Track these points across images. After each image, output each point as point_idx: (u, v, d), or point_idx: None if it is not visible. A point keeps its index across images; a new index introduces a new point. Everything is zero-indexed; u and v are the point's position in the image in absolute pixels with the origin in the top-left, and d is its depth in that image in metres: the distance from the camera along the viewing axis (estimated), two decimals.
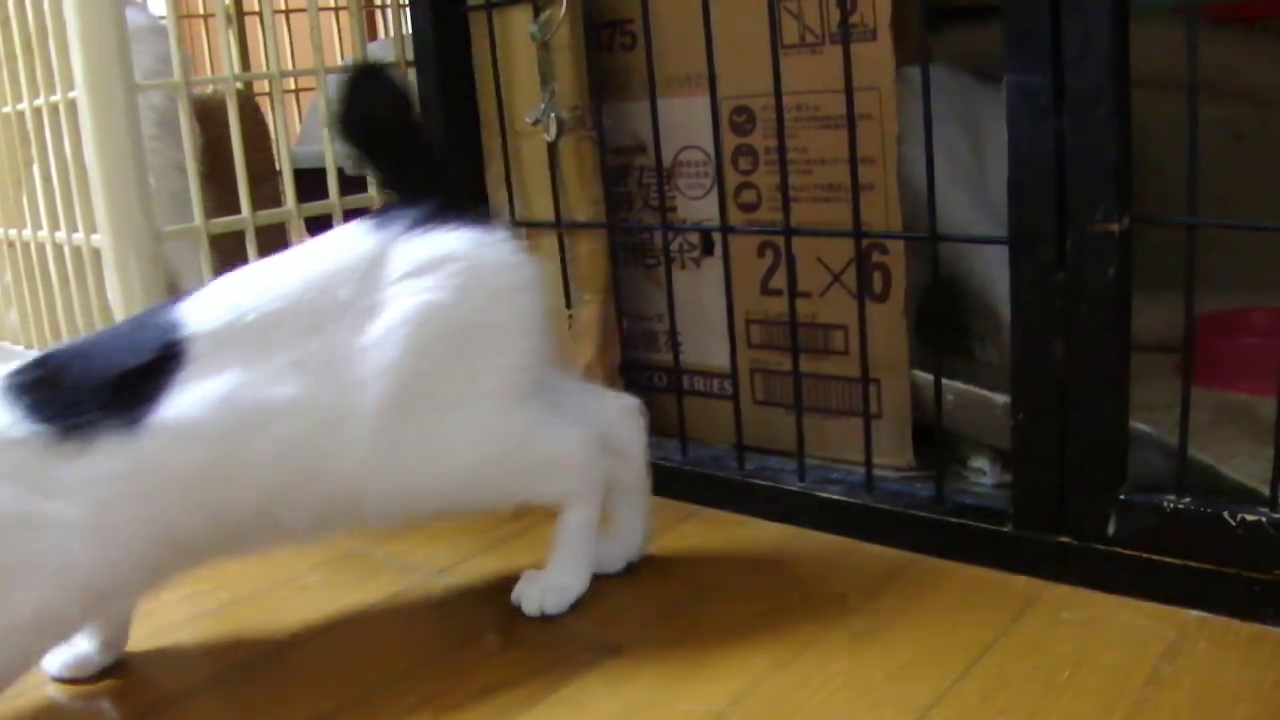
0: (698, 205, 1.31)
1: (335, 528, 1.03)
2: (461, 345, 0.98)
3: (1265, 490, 0.96)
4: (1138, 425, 1.04)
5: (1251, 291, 1.54)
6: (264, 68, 1.56)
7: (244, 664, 1.03)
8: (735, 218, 1.26)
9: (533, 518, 1.22)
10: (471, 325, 0.99)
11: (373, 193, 1.59)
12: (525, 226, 1.39)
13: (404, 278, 0.96)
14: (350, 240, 0.99)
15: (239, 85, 1.82)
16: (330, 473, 0.95)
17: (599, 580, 1.10)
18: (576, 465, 1.06)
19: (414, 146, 1.04)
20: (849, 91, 1.09)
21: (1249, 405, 1.36)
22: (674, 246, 1.33)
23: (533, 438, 1.03)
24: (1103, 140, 0.94)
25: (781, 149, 1.15)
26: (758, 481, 1.24)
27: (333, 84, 1.31)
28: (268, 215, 1.52)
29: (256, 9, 1.58)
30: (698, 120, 1.26)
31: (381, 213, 1.01)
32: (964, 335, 1.40)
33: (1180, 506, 0.99)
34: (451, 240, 0.99)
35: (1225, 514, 0.97)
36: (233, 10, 2.48)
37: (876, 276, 1.17)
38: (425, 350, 0.96)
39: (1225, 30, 1.65)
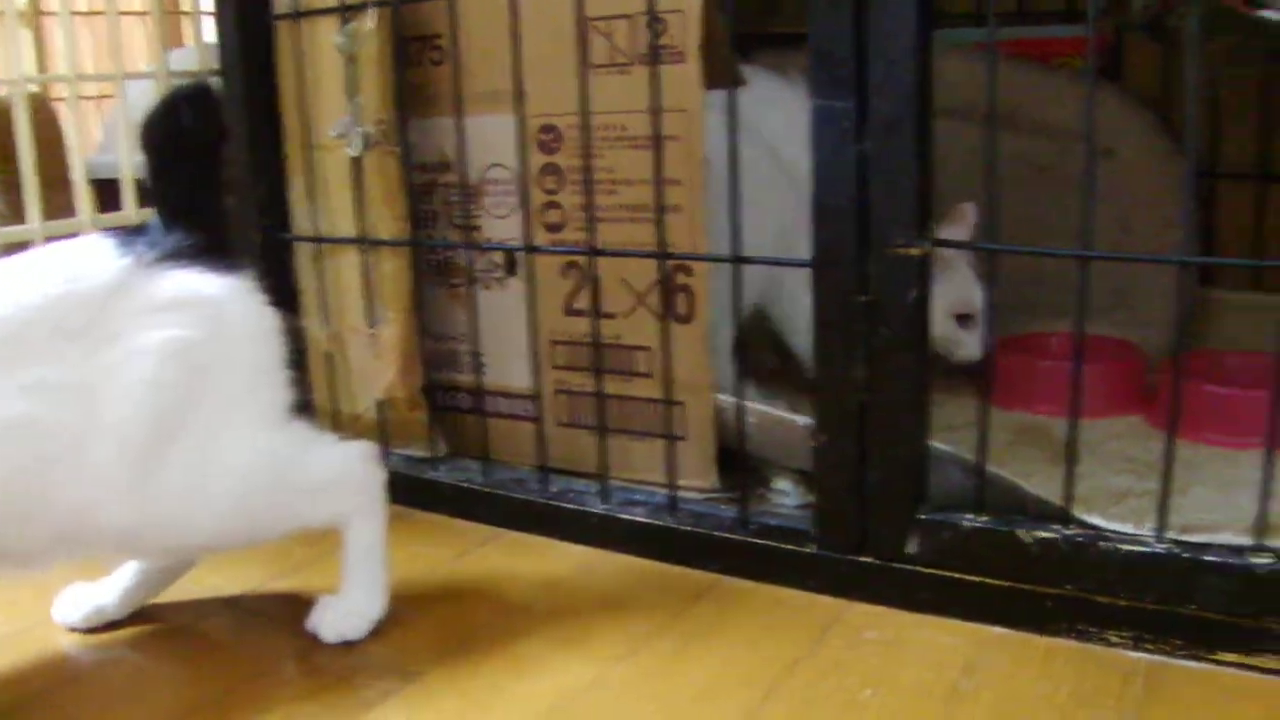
0: (503, 224, 1.29)
1: (80, 555, 0.98)
2: (213, 379, 0.94)
3: (1058, 504, 0.99)
4: (938, 445, 1.06)
5: (1052, 316, 1.60)
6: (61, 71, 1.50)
7: (10, 708, 0.97)
8: (540, 237, 1.25)
9: (328, 542, 1.19)
10: (221, 361, 0.95)
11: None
12: (328, 243, 1.35)
13: (150, 311, 0.92)
14: (91, 262, 0.93)
15: (33, 88, 1.74)
16: (63, 501, 0.89)
17: (400, 605, 1.07)
18: (349, 483, 1.03)
19: (204, 178, 1.00)
20: (656, 112, 1.09)
21: (1047, 426, 1.41)
22: (478, 266, 1.31)
23: (298, 461, 1.00)
24: (904, 165, 0.95)
25: (587, 169, 1.15)
26: (561, 504, 1.23)
27: (134, 91, 1.27)
28: (59, 225, 1.46)
29: (55, 10, 1.52)
30: (505, 138, 1.25)
31: (131, 234, 0.97)
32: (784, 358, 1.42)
33: (978, 525, 1.01)
34: (201, 283, 0.95)
35: (1020, 532, 0.99)
36: (30, 11, 2.38)
37: (681, 298, 1.17)
38: (175, 384, 0.91)
39: (1025, 66, 1.71)
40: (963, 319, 1.40)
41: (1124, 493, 1.20)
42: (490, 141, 1.28)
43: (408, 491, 1.32)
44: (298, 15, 1.34)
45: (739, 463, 1.15)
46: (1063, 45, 1.83)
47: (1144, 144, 1.76)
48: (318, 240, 1.36)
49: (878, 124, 0.96)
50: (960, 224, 1.33)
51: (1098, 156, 0.92)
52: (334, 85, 1.31)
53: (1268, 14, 1.29)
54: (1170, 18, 1.25)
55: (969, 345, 1.41)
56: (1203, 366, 1.48)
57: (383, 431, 1.35)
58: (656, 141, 1.10)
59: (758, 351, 1.42)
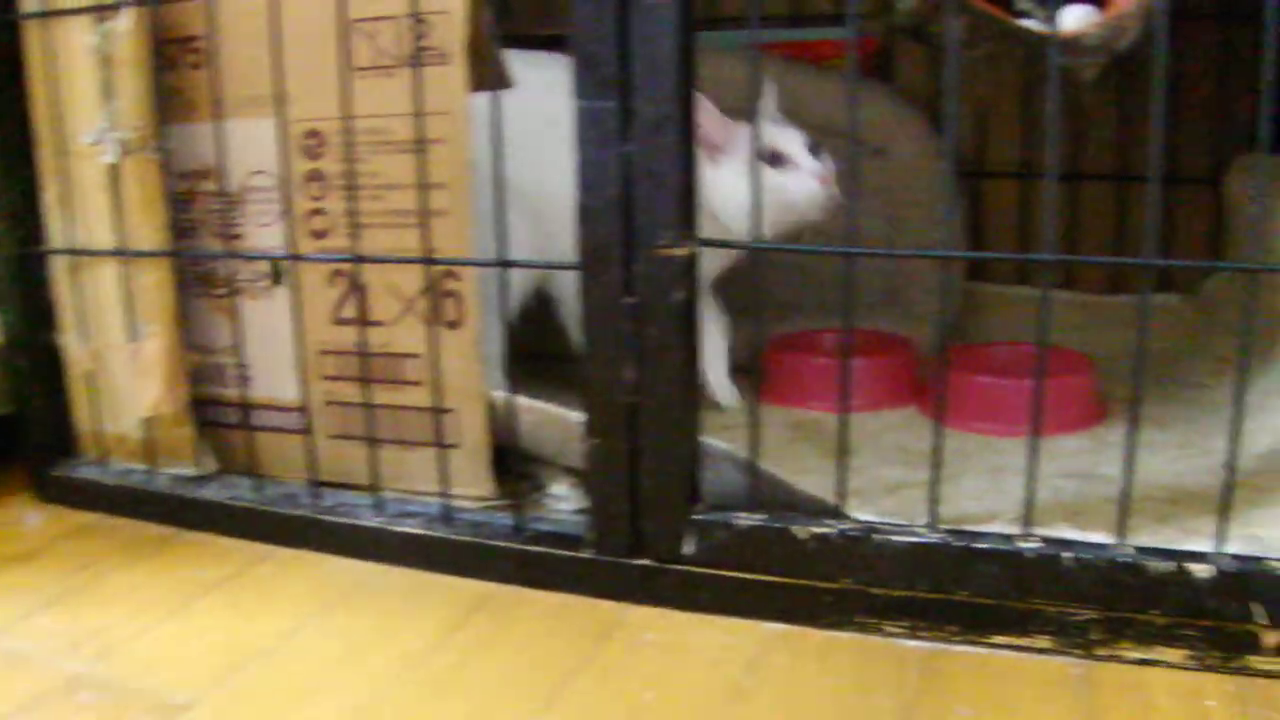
0: (268, 232, 1.25)
1: None
2: None
3: (832, 501, 1.00)
4: (713, 443, 1.06)
5: (825, 313, 1.62)
6: None
7: None
8: (306, 245, 1.21)
9: (99, 567, 1.14)
10: None
11: None
12: (84, 255, 1.29)
13: None
14: None
15: None
16: None
17: (167, 631, 1.03)
18: None
19: None
20: (419, 116, 1.07)
21: (822, 422, 1.43)
22: (242, 276, 1.27)
23: None
24: (668, 166, 0.95)
25: (350, 174, 1.12)
26: (334, 519, 1.20)
27: None
28: None
29: None
30: (267, 144, 1.21)
31: None
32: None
33: (753, 523, 1.01)
34: None
35: (795, 528, 1.00)
36: None
37: (450, 304, 1.15)
38: None
39: (797, 68, 1.73)
40: (774, 160, 1.35)
41: (898, 484, 1.22)
42: (252, 147, 1.24)
43: (175, 511, 1.28)
44: (46, 15, 1.27)
45: (515, 468, 1.13)
46: (835, 48, 1.86)
47: (915, 143, 1.81)
48: (73, 253, 1.30)
49: (641, 125, 0.96)
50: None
51: (861, 155, 0.93)
52: (88, 89, 1.25)
53: (1028, 23, 1.33)
54: (932, 23, 1.27)
55: (798, 181, 1.35)
56: (972, 358, 1.53)
57: (148, 450, 1.29)
58: (420, 145, 1.08)
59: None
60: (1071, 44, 1.27)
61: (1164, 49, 0.88)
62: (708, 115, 1.30)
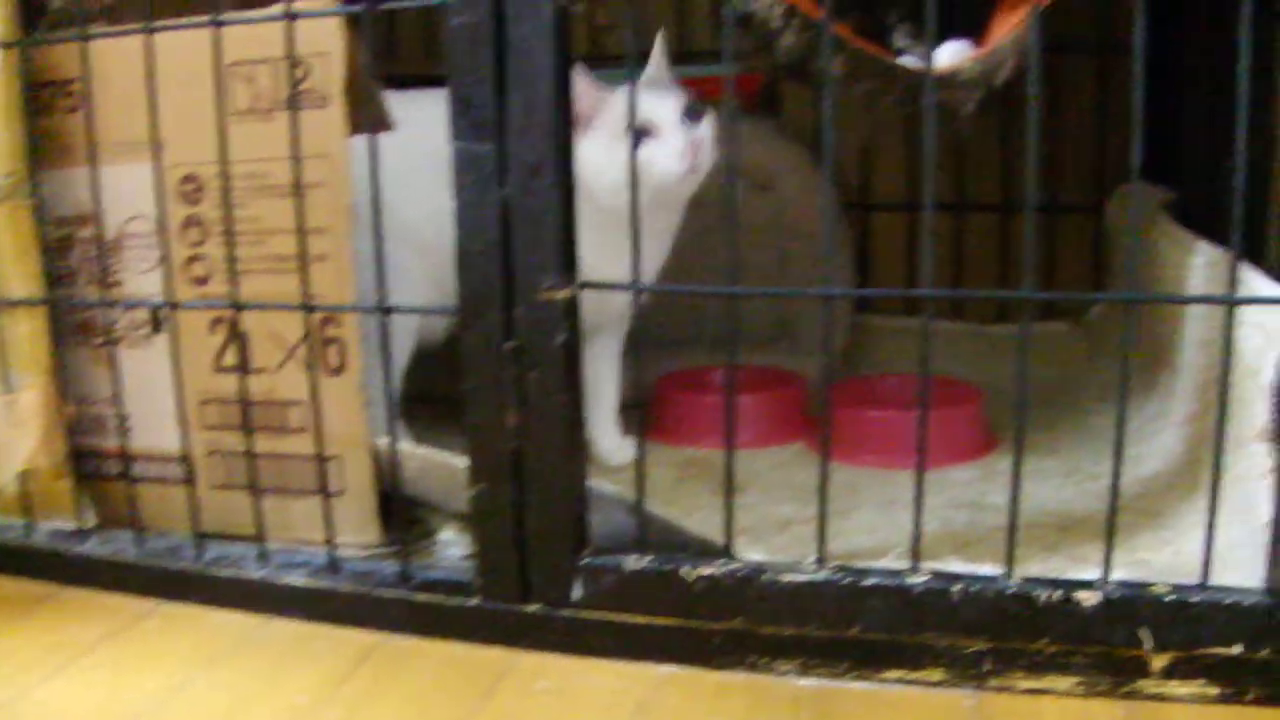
0: (147, 279, 1.22)
1: None
2: None
3: (720, 542, 1.00)
4: (600, 486, 1.05)
5: (714, 350, 1.63)
6: None
7: None
8: (186, 292, 1.19)
9: None
10: None
11: None
12: None
13: None
14: None
15: None
16: None
17: (41, 688, 1.00)
18: None
19: None
20: (297, 160, 1.05)
21: (712, 460, 1.43)
22: (120, 324, 1.24)
23: None
24: (547, 209, 0.95)
25: (228, 220, 1.10)
26: (218, 571, 1.17)
27: None
28: None
29: None
30: (145, 189, 1.19)
31: None
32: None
33: (641, 566, 1.00)
34: None
35: (684, 569, 0.99)
36: None
37: (332, 350, 1.13)
38: None
39: None
40: (640, 132, 1.30)
41: (788, 521, 1.22)
42: (130, 193, 1.21)
43: (55, 567, 1.24)
44: None
45: (402, 515, 1.12)
46: (720, 85, 1.86)
47: (800, 179, 1.82)
48: None
49: (519, 168, 0.95)
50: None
51: (736, 191, 0.93)
52: None
53: (905, 60, 1.34)
54: (812, 62, 1.28)
55: (661, 152, 1.30)
56: (861, 391, 1.54)
57: (25, 504, 1.26)
58: (299, 189, 1.06)
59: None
60: (948, 80, 1.29)
61: (1039, 82, 0.89)
62: (578, 84, 1.24)
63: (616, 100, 1.31)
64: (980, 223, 1.94)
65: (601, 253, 1.13)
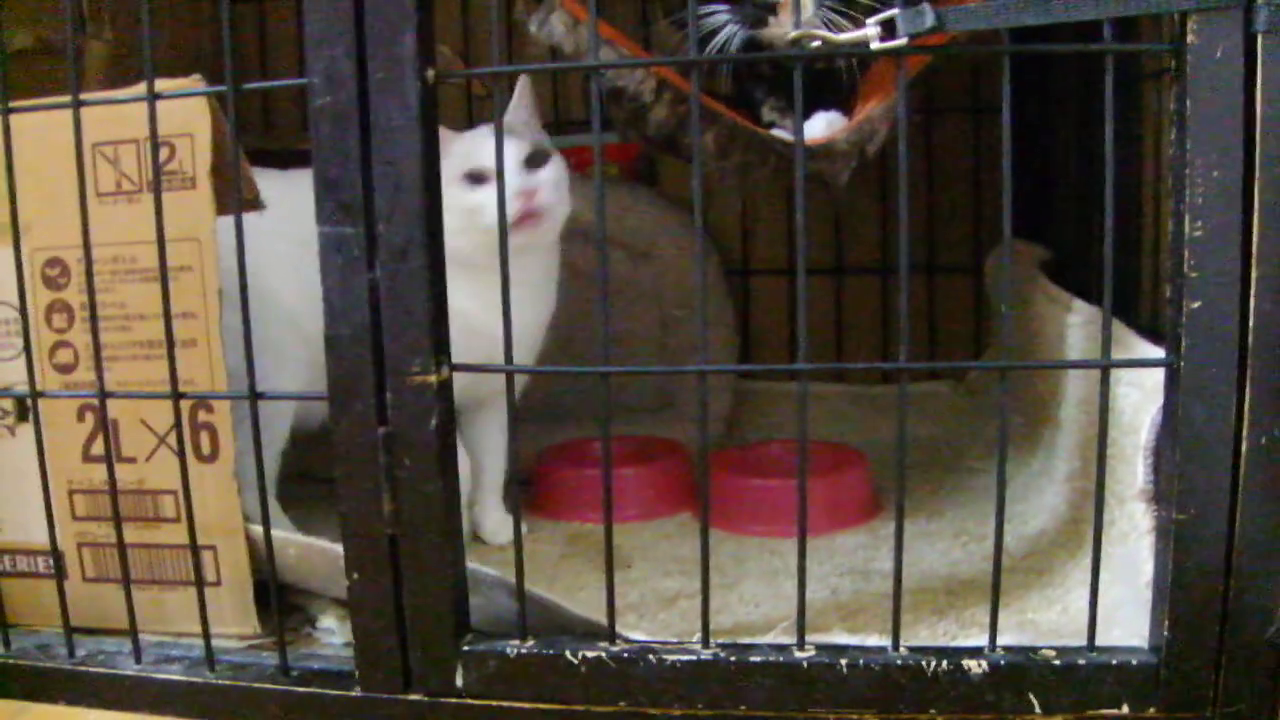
0: (12, 366, 1.18)
1: None
2: None
3: (605, 622, 0.98)
4: (480, 569, 1.03)
5: (595, 422, 1.61)
6: None
7: None
8: (52, 380, 1.15)
9: None
10: None
11: None
12: None
13: None
14: None
15: None
16: None
17: None
18: None
19: None
20: (161, 243, 1.03)
21: (595, 534, 1.41)
22: None
23: None
24: (416, 292, 0.93)
25: (92, 305, 1.07)
26: (91, 669, 1.12)
27: None
28: None
29: None
30: (7, 273, 1.15)
31: None
32: None
33: (524, 651, 0.99)
34: None
35: (568, 652, 0.98)
36: None
37: (204, 437, 1.11)
38: None
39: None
40: (475, 179, 1.32)
41: (675, 595, 1.21)
42: None
43: None
44: None
45: (280, 604, 1.09)
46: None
47: (680, 246, 1.83)
48: None
49: (387, 250, 0.94)
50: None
51: (605, 262, 0.92)
52: None
53: (777, 132, 1.35)
54: (683, 135, 1.29)
55: (484, 206, 1.30)
56: (744, 459, 1.53)
57: None
58: (164, 273, 1.04)
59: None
60: (822, 151, 1.30)
61: (906, 150, 0.89)
62: None
63: (456, 145, 1.31)
64: (859, 285, 1.96)
65: (479, 300, 1.13)
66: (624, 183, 1.87)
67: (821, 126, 1.35)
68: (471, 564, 1.02)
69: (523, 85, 1.36)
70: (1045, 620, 1.11)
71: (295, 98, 1.99)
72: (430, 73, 0.92)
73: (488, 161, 1.29)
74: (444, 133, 1.25)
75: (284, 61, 2.01)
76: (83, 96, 1.06)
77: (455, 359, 0.97)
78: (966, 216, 1.92)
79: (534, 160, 1.33)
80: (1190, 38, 0.85)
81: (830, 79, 1.40)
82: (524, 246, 1.31)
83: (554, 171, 1.34)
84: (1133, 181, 1.46)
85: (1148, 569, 0.94)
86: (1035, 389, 1.49)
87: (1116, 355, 0.97)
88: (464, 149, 1.31)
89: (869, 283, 1.96)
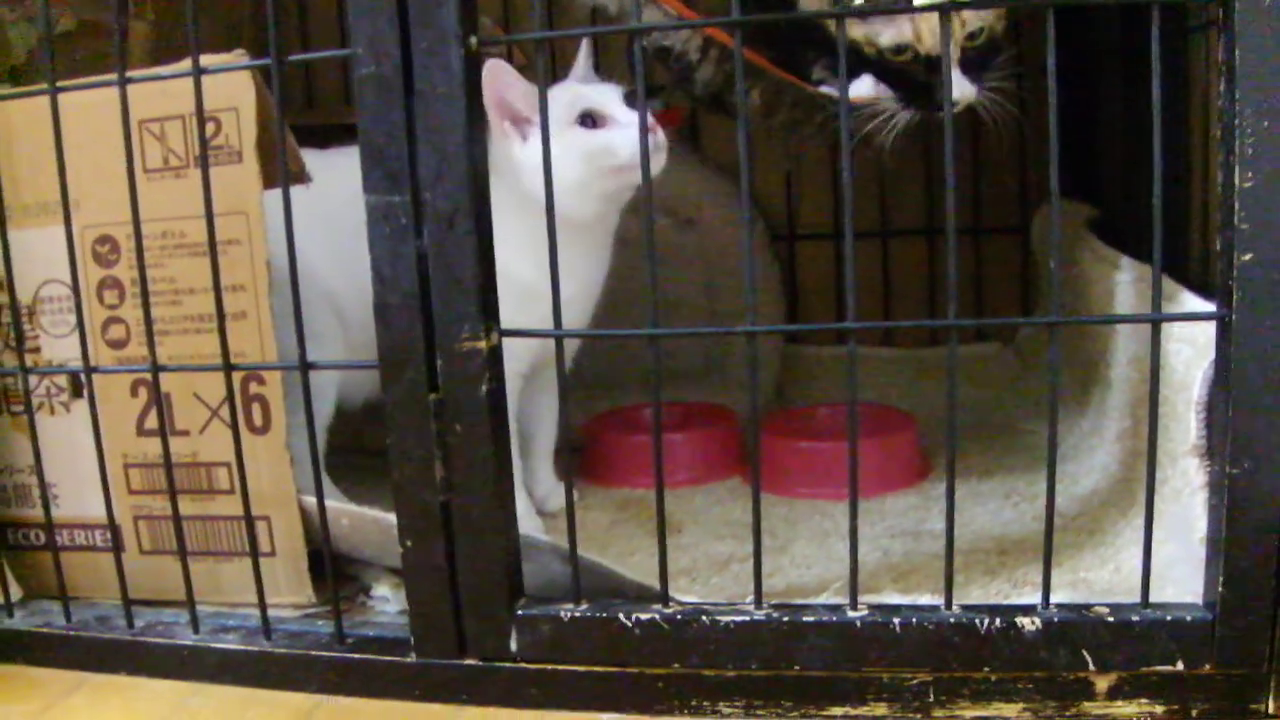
0: (64, 343, 1.20)
1: None
2: None
3: (658, 586, 0.98)
4: (533, 535, 1.04)
5: (644, 388, 1.61)
6: None
7: None
8: (104, 355, 1.17)
9: None
10: None
11: None
12: None
13: None
14: None
15: None
16: None
17: None
18: None
19: None
20: (209, 217, 1.04)
21: (646, 500, 1.41)
22: (40, 390, 1.22)
23: None
24: (463, 259, 0.94)
25: (143, 280, 1.08)
26: (150, 639, 1.14)
27: None
28: None
29: None
30: (59, 252, 1.16)
31: None
32: None
33: (578, 614, 0.99)
34: None
35: (621, 615, 0.98)
36: None
37: (256, 408, 1.12)
38: None
39: None
40: (589, 121, 1.28)
41: (727, 559, 1.21)
42: (44, 256, 1.19)
43: None
44: None
45: (335, 573, 1.10)
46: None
47: (724, 211, 1.82)
48: None
49: (434, 218, 0.94)
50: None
51: (651, 227, 0.92)
52: None
53: (825, 89, 1.34)
54: (730, 93, 1.28)
55: (613, 143, 1.26)
56: (793, 423, 1.53)
57: None
58: (213, 247, 1.05)
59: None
60: (868, 110, 1.29)
61: (951, 110, 0.89)
62: (511, 85, 1.23)
63: (558, 93, 1.28)
64: (905, 247, 1.95)
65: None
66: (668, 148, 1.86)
67: (869, 84, 1.35)
68: (524, 530, 1.03)
69: (584, 49, 1.35)
70: (1098, 579, 1.11)
71: (338, 70, 1.99)
72: (473, 40, 0.92)
73: (599, 104, 1.27)
74: (531, 87, 1.24)
75: (325, 33, 2.01)
76: (128, 73, 1.06)
77: (510, 325, 0.97)
78: (1012, 175, 1.90)
79: (632, 101, 1.29)
80: None
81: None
82: (631, 189, 1.30)
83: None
84: (1181, 135, 1.44)
85: (1201, 525, 0.93)
86: (1085, 348, 1.48)
87: (1167, 309, 0.97)
88: (567, 97, 1.28)
89: (915, 245, 1.94)
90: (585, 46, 1.35)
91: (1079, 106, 1.76)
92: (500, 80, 1.20)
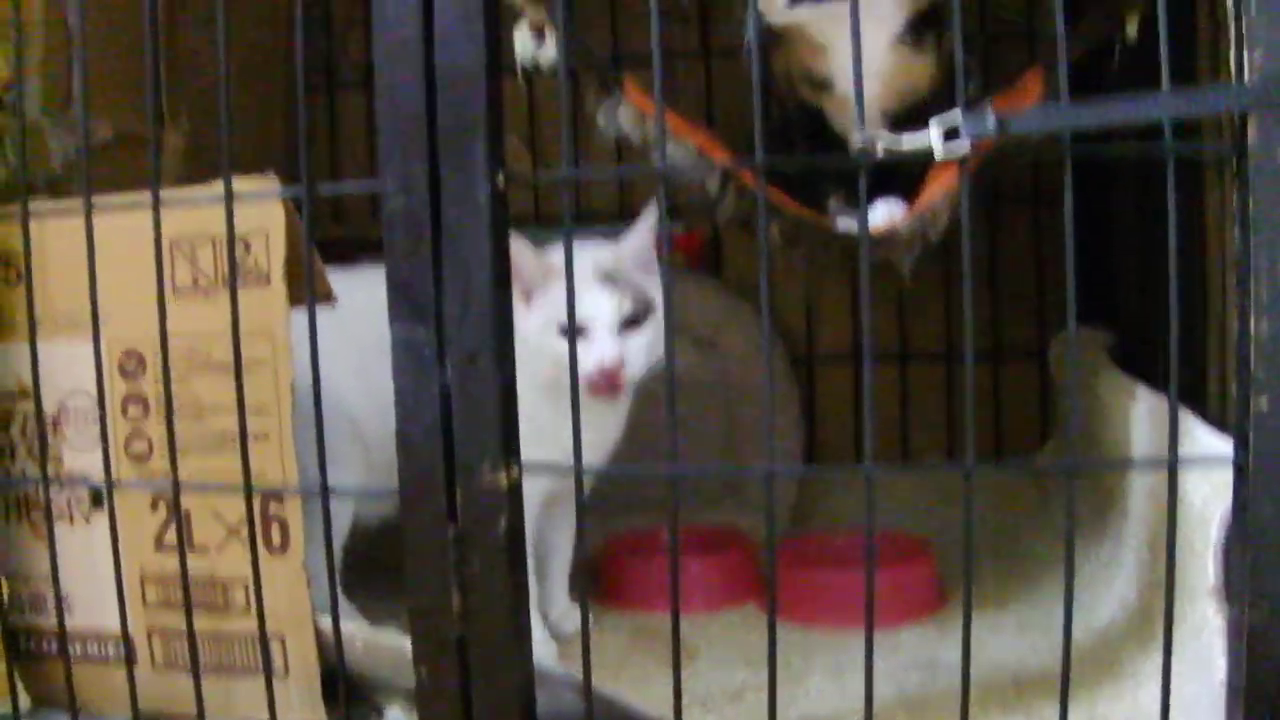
0: (87, 455, 1.21)
1: None
2: None
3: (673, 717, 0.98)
4: (547, 666, 1.03)
5: (662, 508, 1.61)
6: None
7: None
8: (126, 468, 1.18)
9: None
10: None
11: None
12: None
13: None
14: None
15: None
16: None
17: None
18: None
19: None
20: (236, 338, 1.05)
21: (662, 625, 1.40)
22: (61, 500, 1.22)
23: None
24: (486, 394, 0.94)
25: (168, 397, 1.09)
26: None
27: None
28: None
29: None
30: (86, 364, 1.17)
31: None
32: None
33: None
34: None
35: None
36: None
37: (274, 528, 1.12)
38: None
39: None
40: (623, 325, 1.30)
41: (741, 688, 1.21)
42: (70, 368, 1.20)
43: None
44: None
45: (347, 694, 1.09)
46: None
47: (745, 335, 1.84)
48: None
49: (458, 353, 0.95)
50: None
51: (672, 371, 0.93)
52: None
53: (841, 223, 1.36)
54: (754, 220, 1.30)
55: (582, 360, 1.28)
56: (810, 549, 1.53)
57: None
58: (238, 367, 1.06)
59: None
60: (885, 239, 1.31)
61: (969, 236, 0.90)
62: (522, 253, 1.26)
63: (556, 289, 1.29)
64: (926, 369, 1.96)
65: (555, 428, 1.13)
66: (690, 273, 1.88)
67: (883, 214, 1.36)
68: (538, 657, 1.03)
69: (643, 225, 1.35)
70: (1115, 715, 1.10)
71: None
72: (500, 177, 0.94)
73: (586, 315, 1.29)
74: (541, 261, 1.30)
75: (354, 148, 2.04)
76: (162, 194, 1.08)
77: (527, 455, 0.98)
78: (1030, 302, 1.92)
79: (635, 318, 1.31)
80: (1251, 137, 0.85)
81: (893, 166, 1.42)
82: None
83: (651, 332, 1.32)
84: (1197, 264, 1.45)
85: (1221, 665, 0.93)
86: (1102, 478, 1.48)
87: (1184, 446, 0.96)
88: (560, 295, 1.29)
89: (935, 367, 1.96)
90: (643, 225, 1.35)
91: (1096, 232, 1.78)
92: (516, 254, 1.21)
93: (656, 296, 1.33)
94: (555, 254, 1.32)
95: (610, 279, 1.32)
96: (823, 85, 1.51)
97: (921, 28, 1.47)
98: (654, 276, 1.35)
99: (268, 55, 1.94)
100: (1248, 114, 0.85)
